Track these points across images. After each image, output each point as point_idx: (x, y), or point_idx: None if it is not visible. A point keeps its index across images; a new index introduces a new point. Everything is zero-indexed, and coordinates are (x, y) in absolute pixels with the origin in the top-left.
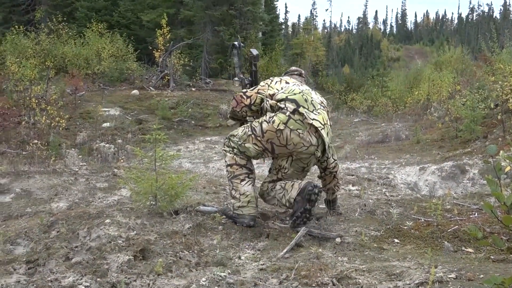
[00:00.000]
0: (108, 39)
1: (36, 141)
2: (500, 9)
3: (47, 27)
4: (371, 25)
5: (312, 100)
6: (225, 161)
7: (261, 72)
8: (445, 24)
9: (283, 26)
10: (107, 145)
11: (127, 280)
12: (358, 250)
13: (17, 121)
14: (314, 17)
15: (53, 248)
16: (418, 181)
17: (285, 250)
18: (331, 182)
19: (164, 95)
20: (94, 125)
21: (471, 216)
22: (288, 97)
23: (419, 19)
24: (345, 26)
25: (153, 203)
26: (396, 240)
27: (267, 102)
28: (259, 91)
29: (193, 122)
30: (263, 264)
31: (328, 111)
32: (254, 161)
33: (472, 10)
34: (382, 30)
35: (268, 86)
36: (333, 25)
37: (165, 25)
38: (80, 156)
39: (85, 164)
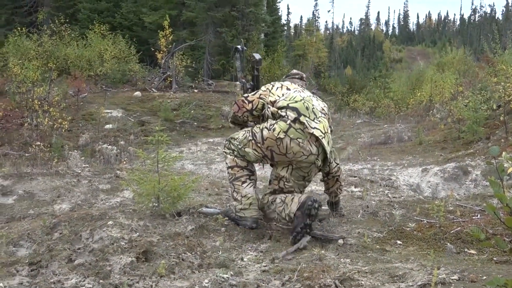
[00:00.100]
0: (110, 41)
1: (38, 142)
2: (503, 10)
3: (49, 29)
4: (373, 26)
5: (313, 108)
6: (226, 163)
7: (264, 73)
8: (447, 25)
9: (285, 28)
10: (109, 146)
11: (130, 281)
12: (361, 251)
13: (19, 123)
14: (316, 18)
15: (55, 250)
16: (420, 183)
17: (284, 252)
18: (334, 185)
19: (166, 97)
20: (97, 126)
21: (473, 217)
22: (289, 104)
23: (421, 20)
24: (347, 27)
25: (156, 204)
26: (398, 242)
27: (268, 109)
28: (261, 96)
29: (195, 123)
30: (265, 266)
31: (329, 118)
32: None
33: (474, 11)
34: (384, 31)
35: (269, 91)
36: (335, 26)
37: (167, 27)
38: (83, 158)
39: (87, 165)
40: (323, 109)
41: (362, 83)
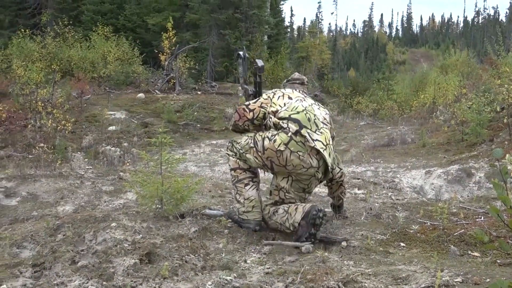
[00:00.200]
0: (114, 43)
1: (42, 144)
2: (506, 12)
3: (53, 31)
4: (376, 28)
5: (315, 119)
6: (229, 165)
7: (267, 75)
8: (451, 27)
9: (289, 30)
10: (113, 148)
11: (133, 283)
12: (364, 253)
13: (23, 125)
14: (320, 20)
15: (59, 252)
16: (424, 185)
17: (285, 243)
18: (338, 190)
19: (169, 99)
20: (100, 128)
21: (477, 219)
22: (291, 116)
23: (424, 22)
24: (350, 29)
25: (159, 206)
26: (402, 244)
27: (270, 119)
28: (262, 105)
29: (198, 125)
30: (269, 268)
31: (331, 127)
32: None
33: (477, 13)
34: (387, 33)
35: (271, 100)
36: (338, 29)
37: (170, 29)
38: (86, 160)
39: (91, 167)
40: (325, 119)
41: (366, 85)
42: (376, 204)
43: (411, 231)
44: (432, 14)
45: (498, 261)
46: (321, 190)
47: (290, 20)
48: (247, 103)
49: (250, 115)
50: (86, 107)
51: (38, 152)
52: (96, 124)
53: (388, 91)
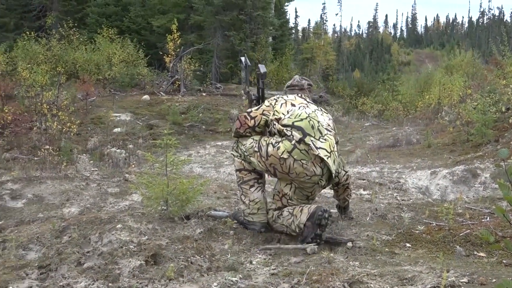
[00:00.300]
0: (118, 45)
1: (47, 146)
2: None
3: (58, 33)
4: (381, 29)
5: (319, 126)
6: (234, 165)
7: (272, 77)
8: (456, 28)
9: (293, 31)
10: (118, 150)
11: (139, 285)
12: (370, 254)
13: (28, 127)
14: (324, 21)
15: (65, 253)
16: (429, 185)
17: (292, 246)
18: (344, 192)
19: (174, 100)
20: (105, 130)
21: (483, 220)
22: (295, 123)
23: (429, 23)
24: (355, 30)
25: (164, 208)
26: (407, 245)
27: (274, 126)
28: (264, 112)
29: (203, 127)
30: (274, 269)
31: (335, 133)
32: None
33: (482, 13)
34: (392, 34)
35: (273, 107)
36: (343, 30)
37: (175, 30)
38: (92, 162)
39: (96, 169)
40: (328, 125)
41: (370, 86)
42: (382, 205)
43: (417, 231)
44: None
45: (504, 261)
46: (326, 191)
47: (295, 21)
48: (248, 110)
49: (251, 123)
50: (91, 109)
51: (44, 154)
52: (101, 126)
53: (393, 92)
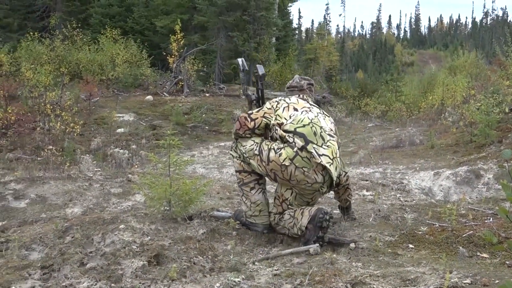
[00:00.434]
0: (122, 45)
1: (50, 147)
2: None
3: (61, 34)
4: (384, 30)
5: (321, 132)
6: (234, 166)
7: (275, 77)
8: (459, 29)
9: (297, 32)
10: (121, 150)
11: (142, 285)
12: (373, 255)
13: (32, 127)
14: (328, 22)
15: (67, 254)
16: (432, 186)
17: (290, 250)
18: (344, 193)
19: (178, 101)
20: (109, 130)
21: (486, 221)
22: (297, 130)
23: (433, 24)
24: (358, 31)
25: (167, 208)
26: (410, 246)
27: (276, 132)
28: (265, 115)
29: (207, 127)
30: (277, 270)
31: (338, 139)
32: None
33: (486, 14)
34: (395, 34)
35: (275, 111)
36: (346, 30)
37: (179, 31)
38: (95, 162)
39: (99, 169)
40: (331, 129)
41: (374, 86)
42: (385, 206)
43: (420, 232)
44: (440, 15)
45: (507, 262)
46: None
47: (298, 22)
48: (249, 112)
49: (251, 125)
50: (94, 110)
51: (47, 154)
52: (104, 126)
53: (396, 92)
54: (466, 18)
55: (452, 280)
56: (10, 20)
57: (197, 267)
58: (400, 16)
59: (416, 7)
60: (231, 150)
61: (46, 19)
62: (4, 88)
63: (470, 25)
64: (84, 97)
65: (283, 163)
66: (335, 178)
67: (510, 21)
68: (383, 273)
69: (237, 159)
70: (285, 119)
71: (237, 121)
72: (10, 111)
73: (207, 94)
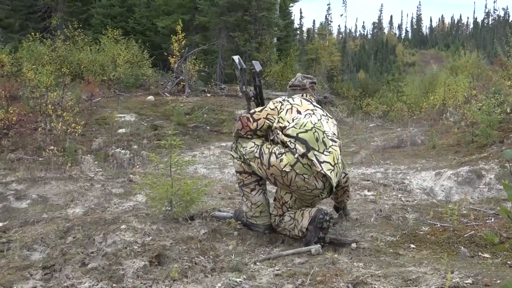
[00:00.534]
0: (123, 46)
1: (52, 147)
2: None
3: (63, 34)
4: (386, 30)
5: (324, 138)
6: (234, 167)
7: (276, 78)
8: (461, 29)
9: (298, 32)
10: (122, 151)
11: (143, 285)
12: (374, 255)
13: (33, 128)
14: (329, 22)
15: (69, 254)
16: (434, 186)
17: (291, 251)
18: (343, 195)
19: (179, 101)
20: (110, 131)
21: (487, 221)
22: (299, 135)
23: (434, 24)
24: (360, 31)
25: (169, 208)
26: (412, 246)
27: (278, 136)
28: (268, 116)
29: (208, 127)
30: (278, 270)
31: (340, 144)
32: None
33: (487, 14)
34: (397, 35)
35: (278, 113)
36: (348, 30)
37: (180, 31)
38: (96, 162)
39: (101, 170)
40: (334, 134)
41: (375, 86)
42: (386, 206)
43: (421, 232)
44: (442, 15)
45: (509, 262)
46: None
47: (300, 22)
48: (252, 111)
49: (253, 126)
50: (96, 110)
51: (48, 155)
52: (106, 126)
53: (397, 92)
54: (468, 18)
55: (453, 280)
56: (12, 21)
57: (198, 267)
58: (402, 16)
59: (417, 7)
60: (232, 151)
61: (48, 20)
62: (6, 88)
63: (471, 25)
64: (86, 97)
65: (283, 169)
66: (334, 185)
67: (511, 21)
68: (384, 273)
69: (238, 160)
70: (288, 122)
71: (238, 121)
72: (11, 111)
73: (209, 94)
